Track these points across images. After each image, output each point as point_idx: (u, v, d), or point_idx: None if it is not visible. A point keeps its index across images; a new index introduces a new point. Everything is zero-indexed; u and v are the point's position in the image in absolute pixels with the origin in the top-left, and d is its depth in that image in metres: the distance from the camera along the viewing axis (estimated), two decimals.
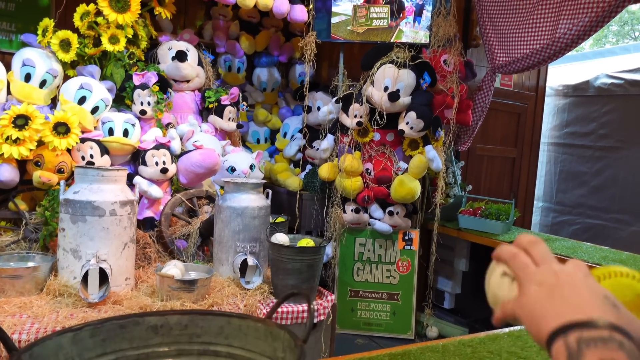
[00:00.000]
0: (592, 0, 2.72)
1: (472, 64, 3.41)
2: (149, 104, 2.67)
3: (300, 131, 3.54)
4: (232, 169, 2.77)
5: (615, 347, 0.41)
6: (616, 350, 0.40)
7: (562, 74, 4.81)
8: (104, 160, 2.33)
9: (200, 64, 3.15)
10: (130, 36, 2.75)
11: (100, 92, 2.47)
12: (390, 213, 3.11)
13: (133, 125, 2.52)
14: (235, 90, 3.12)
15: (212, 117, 3.05)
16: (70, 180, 2.20)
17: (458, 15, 3.33)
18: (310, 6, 3.15)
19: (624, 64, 4.37)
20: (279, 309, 1.89)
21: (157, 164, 2.44)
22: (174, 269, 1.80)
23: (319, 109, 3.47)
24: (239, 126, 3.14)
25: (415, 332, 3.21)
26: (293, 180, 3.34)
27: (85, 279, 1.69)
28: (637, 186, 4.00)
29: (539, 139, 4.49)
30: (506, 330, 1.38)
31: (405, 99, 2.91)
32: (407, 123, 2.92)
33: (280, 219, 2.52)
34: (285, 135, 3.77)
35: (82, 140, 2.29)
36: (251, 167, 2.82)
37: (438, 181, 3.21)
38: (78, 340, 0.66)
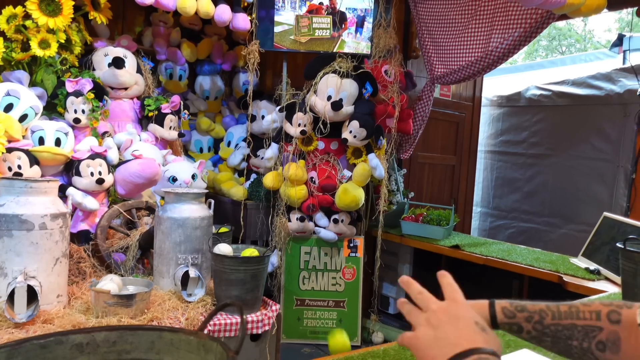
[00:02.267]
0: (520, 17, 2.89)
1: (412, 74, 3.52)
2: (83, 111, 2.55)
3: (245, 140, 3.51)
4: (174, 179, 2.70)
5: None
6: None
7: (496, 85, 5.06)
8: (33, 171, 2.21)
9: (139, 71, 3.06)
10: (63, 41, 2.63)
11: (29, 99, 2.34)
12: (335, 221, 3.13)
13: (66, 134, 2.41)
14: (176, 99, 3.05)
15: (152, 126, 2.96)
16: None
17: (398, 27, 3.43)
18: (253, 15, 3.14)
19: (552, 77, 4.66)
20: (222, 322, 1.86)
21: (92, 174, 2.33)
22: (110, 283, 1.73)
23: (263, 117, 3.46)
24: (180, 135, 3.07)
25: (362, 338, 3.24)
26: (237, 190, 3.30)
27: (11, 297, 1.59)
28: (565, 191, 4.25)
29: (477, 147, 4.69)
30: None
31: (348, 108, 2.96)
32: (351, 132, 2.96)
33: (223, 229, 2.48)
34: (229, 144, 3.72)
35: (9, 150, 2.15)
36: (193, 176, 2.76)
37: (381, 189, 3.27)
38: None
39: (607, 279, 2.31)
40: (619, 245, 1.58)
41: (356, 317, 3.20)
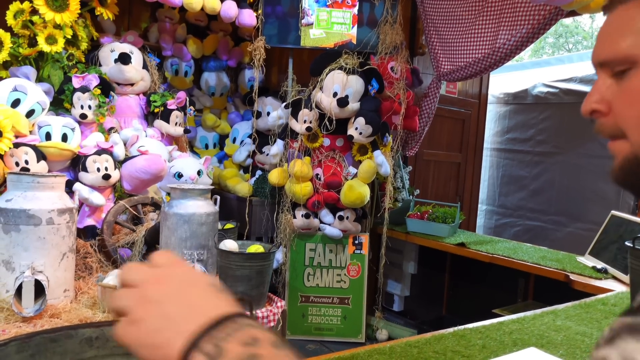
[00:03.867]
0: (528, 13, 2.87)
1: (419, 71, 3.50)
2: (89, 107, 2.56)
3: (250, 136, 3.51)
4: (179, 175, 2.71)
5: (248, 327, 0.40)
6: (250, 329, 0.40)
7: (503, 82, 5.03)
8: (40, 167, 2.21)
9: (145, 67, 3.06)
10: (70, 37, 2.63)
11: (36, 94, 2.35)
12: (340, 218, 3.13)
13: (72, 129, 2.41)
14: (182, 95, 3.05)
15: (158, 122, 2.96)
16: (2, 187, 2.07)
17: (405, 24, 3.42)
18: (259, 11, 3.14)
19: (559, 74, 4.63)
20: None
21: (98, 170, 2.34)
22: (116, 278, 1.73)
23: (268, 114, 3.46)
24: (186, 131, 3.07)
25: (366, 335, 3.24)
26: (243, 186, 3.30)
27: (19, 291, 1.59)
28: (571, 189, 4.23)
29: (482, 144, 4.67)
30: (451, 330, 1.42)
31: (354, 105, 2.95)
32: (356, 128, 2.95)
33: (229, 225, 2.48)
34: (234, 140, 3.72)
35: (16, 146, 2.16)
36: (199, 172, 2.76)
37: (387, 186, 3.27)
38: (3, 356, 0.62)
39: (614, 277, 2.30)
40: (627, 244, 1.57)
41: (361, 314, 3.20)
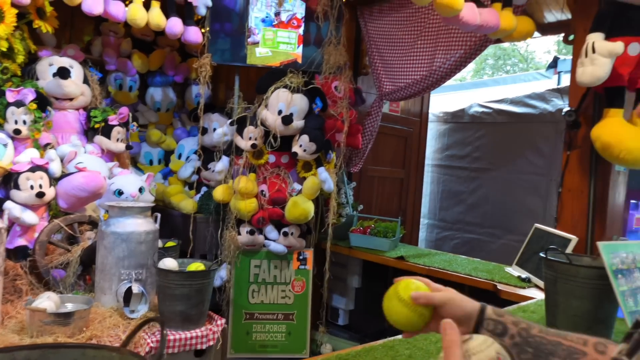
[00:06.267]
0: (462, 39, 3.05)
1: (361, 90, 3.62)
2: (24, 122, 2.48)
3: (196, 152, 3.49)
4: (120, 192, 2.66)
5: None
6: None
7: (443, 101, 5.28)
8: None
9: (86, 81, 3.00)
10: (5, 49, 2.55)
11: None
12: (285, 234, 3.16)
13: (5, 145, 2.33)
14: (124, 110, 3.01)
15: (99, 138, 2.91)
16: None
17: (348, 45, 3.53)
18: (206, 28, 3.15)
19: (494, 95, 4.91)
20: (168, 337, 1.84)
21: (32, 187, 2.27)
22: (47, 301, 1.68)
23: (214, 130, 3.46)
24: (128, 147, 3.03)
25: (310, 350, 3.27)
26: (187, 203, 3.28)
27: None
28: (504, 203, 4.48)
29: (424, 161, 4.86)
30: (381, 342, 1.48)
31: (298, 123, 3.01)
32: (301, 146, 3.01)
33: (170, 244, 2.46)
34: (180, 156, 3.69)
35: None
36: (140, 189, 2.73)
37: (331, 202, 3.33)
38: None
39: (536, 286, 2.46)
40: (541, 254, 1.71)
41: (305, 329, 3.23)
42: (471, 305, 0.89)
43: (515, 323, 0.85)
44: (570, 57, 3.84)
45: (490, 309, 0.88)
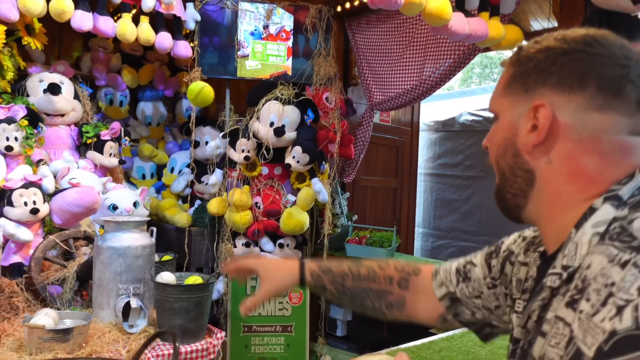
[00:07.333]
0: (450, 48, 3.10)
1: (352, 101, 3.65)
2: (16, 139, 2.46)
3: (188, 166, 3.49)
4: (114, 207, 2.64)
5: None
6: None
7: (433, 110, 5.33)
8: None
9: (76, 97, 2.99)
10: None
11: None
12: (281, 245, 3.15)
13: None
14: (116, 125, 3.00)
15: (91, 153, 2.89)
16: None
17: (338, 56, 3.57)
18: (195, 42, 3.17)
19: (483, 103, 4.97)
20: (166, 352, 1.82)
21: (26, 204, 2.24)
22: (45, 318, 1.66)
23: (207, 143, 3.46)
24: (121, 162, 3.02)
25: None
26: (181, 217, 3.26)
27: None
28: (498, 211, 4.50)
29: (417, 169, 4.89)
30: (384, 352, 1.48)
31: (290, 134, 3.02)
32: (294, 157, 3.02)
33: (166, 257, 2.44)
34: (172, 170, 3.67)
35: None
36: (135, 204, 2.71)
37: (325, 212, 3.34)
38: None
39: None
40: None
41: (304, 341, 3.20)
42: (294, 273, 1.03)
43: (331, 281, 1.00)
44: None
45: (309, 277, 1.02)
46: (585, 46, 0.68)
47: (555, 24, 2.95)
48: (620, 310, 0.52)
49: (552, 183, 0.70)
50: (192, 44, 3.15)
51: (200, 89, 2.90)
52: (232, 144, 3.11)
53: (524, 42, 3.21)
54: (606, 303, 0.54)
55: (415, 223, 5.00)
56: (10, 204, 2.22)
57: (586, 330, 0.55)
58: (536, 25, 3.34)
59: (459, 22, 2.42)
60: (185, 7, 3.04)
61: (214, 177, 3.16)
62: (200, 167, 3.35)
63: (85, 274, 2.12)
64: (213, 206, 3.07)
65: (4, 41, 2.54)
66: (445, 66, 3.12)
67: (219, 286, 3.08)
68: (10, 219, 2.21)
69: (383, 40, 3.55)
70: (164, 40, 2.94)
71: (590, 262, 0.60)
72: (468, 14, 2.51)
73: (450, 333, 1.72)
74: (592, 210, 0.65)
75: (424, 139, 5.14)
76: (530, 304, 0.72)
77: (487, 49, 3.00)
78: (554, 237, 0.71)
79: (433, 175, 5.16)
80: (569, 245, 0.66)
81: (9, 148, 2.43)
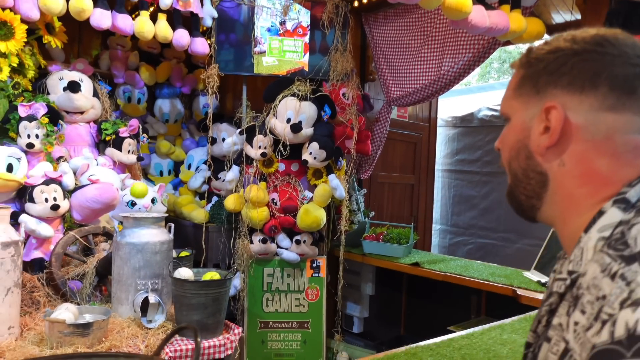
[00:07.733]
0: (469, 43, 3.04)
1: (369, 97, 3.62)
2: (37, 136, 2.50)
3: (205, 162, 3.50)
4: (133, 204, 2.66)
5: None
6: None
7: (451, 106, 5.26)
8: None
9: (95, 94, 3.02)
10: (15, 65, 2.58)
11: None
12: (298, 242, 3.15)
13: (18, 159, 2.34)
14: (134, 122, 3.02)
15: (110, 150, 2.92)
16: None
17: (355, 51, 3.54)
18: (212, 39, 3.17)
19: (501, 98, 4.89)
20: (184, 347, 1.83)
21: (47, 200, 2.27)
22: (65, 312, 1.68)
23: (223, 140, 3.47)
24: (139, 159, 3.04)
25: (327, 358, 3.24)
26: (198, 213, 3.28)
27: None
28: None
29: (434, 166, 4.84)
30: (403, 349, 1.46)
31: (307, 130, 3.01)
32: (311, 153, 3.01)
33: (184, 253, 2.45)
34: (189, 167, 3.70)
35: None
36: (153, 200, 2.73)
37: (342, 209, 3.32)
38: None
39: None
40: None
41: (320, 337, 3.20)
42: None
43: None
44: None
45: None
46: (595, 46, 0.66)
47: (579, 17, 2.87)
48: (603, 324, 0.52)
49: (566, 186, 0.68)
50: (209, 41, 3.15)
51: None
52: (249, 141, 3.11)
53: (546, 36, 3.15)
54: (597, 318, 0.54)
55: (433, 220, 4.95)
56: (32, 200, 2.26)
57: (582, 345, 0.55)
58: (558, 18, 3.26)
59: (479, 15, 2.38)
60: (202, 4, 3.04)
61: (231, 174, 3.16)
62: (217, 164, 3.36)
63: (104, 270, 2.15)
64: (230, 202, 3.08)
65: (25, 40, 2.57)
66: (464, 61, 3.07)
67: (236, 282, 3.09)
68: (31, 215, 2.24)
69: (400, 35, 3.51)
70: (181, 37, 2.95)
71: (587, 270, 0.59)
72: (488, 6, 2.47)
73: (470, 330, 1.69)
74: (600, 214, 0.63)
75: (442, 134, 5.08)
76: (540, 308, 0.72)
77: (508, 43, 2.94)
78: (569, 241, 0.69)
79: (451, 172, 5.10)
80: (575, 250, 0.64)
81: (30, 145, 2.46)
